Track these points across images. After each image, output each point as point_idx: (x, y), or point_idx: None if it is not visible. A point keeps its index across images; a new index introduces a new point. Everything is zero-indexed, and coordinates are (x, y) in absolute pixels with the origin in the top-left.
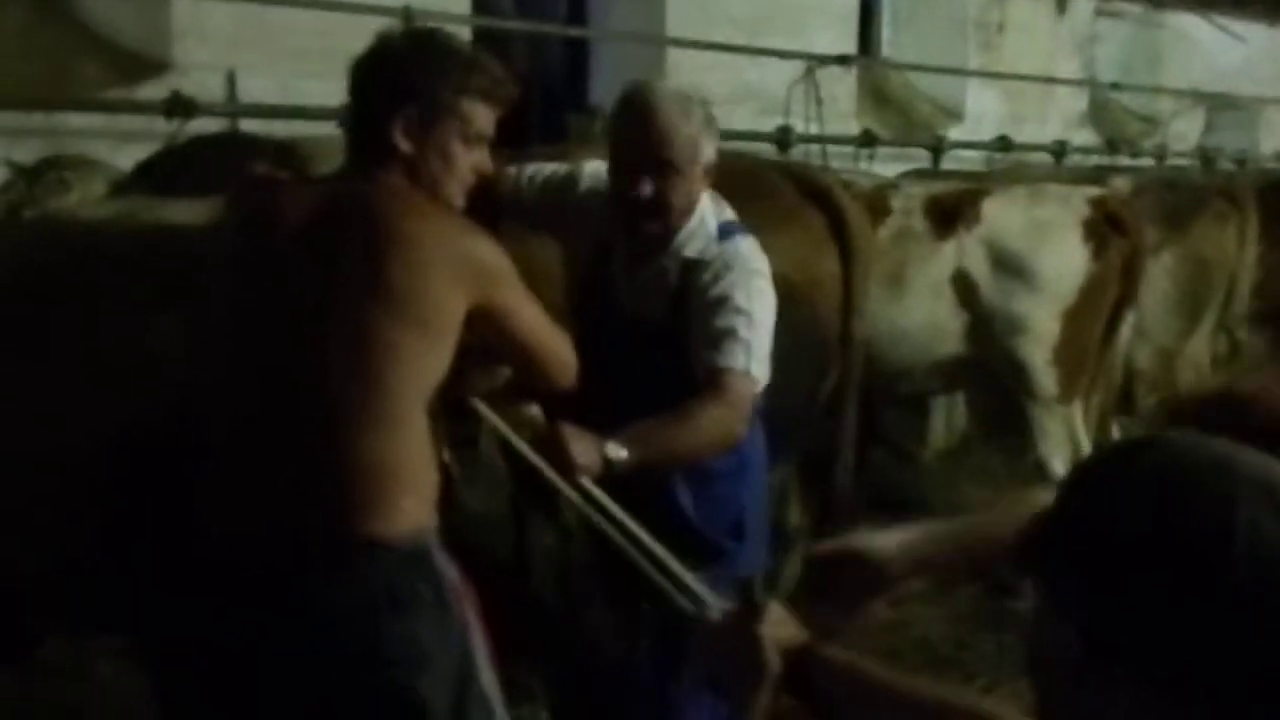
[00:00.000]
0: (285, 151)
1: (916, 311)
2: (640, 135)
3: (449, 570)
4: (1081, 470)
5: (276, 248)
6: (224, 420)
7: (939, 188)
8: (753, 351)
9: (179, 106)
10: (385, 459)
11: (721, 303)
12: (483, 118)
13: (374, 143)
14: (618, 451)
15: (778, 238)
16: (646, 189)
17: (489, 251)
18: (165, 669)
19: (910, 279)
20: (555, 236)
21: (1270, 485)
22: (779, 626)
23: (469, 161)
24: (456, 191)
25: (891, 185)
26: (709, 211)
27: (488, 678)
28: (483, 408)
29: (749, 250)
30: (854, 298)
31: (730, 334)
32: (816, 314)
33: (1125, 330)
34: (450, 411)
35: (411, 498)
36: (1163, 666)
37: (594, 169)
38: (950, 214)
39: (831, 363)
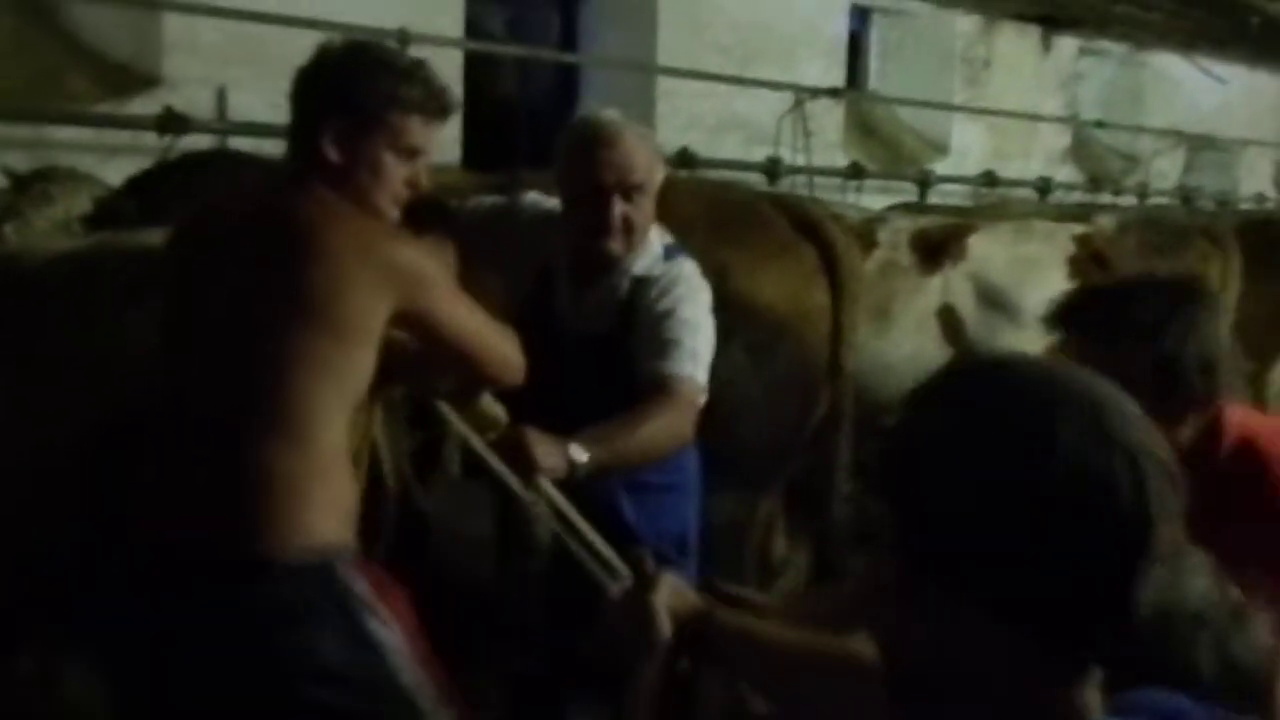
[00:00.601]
0: (276, 170)
1: (903, 345)
2: (609, 161)
3: (357, 585)
4: (916, 392)
5: (202, 257)
6: (157, 424)
7: (925, 222)
8: (698, 360)
9: (171, 122)
10: (289, 473)
11: (669, 315)
12: (416, 131)
13: (305, 152)
14: (581, 454)
15: (769, 268)
16: (617, 212)
17: (411, 257)
18: (110, 670)
19: (896, 312)
20: (497, 264)
21: (1094, 405)
22: (673, 596)
23: (400, 174)
24: (386, 204)
25: (878, 218)
26: (654, 232)
27: (412, 692)
28: (446, 409)
29: (692, 270)
30: (843, 330)
31: (677, 343)
32: (805, 345)
33: None
34: (415, 414)
35: (315, 512)
36: (983, 584)
37: (532, 200)
38: (936, 248)
39: (820, 394)
